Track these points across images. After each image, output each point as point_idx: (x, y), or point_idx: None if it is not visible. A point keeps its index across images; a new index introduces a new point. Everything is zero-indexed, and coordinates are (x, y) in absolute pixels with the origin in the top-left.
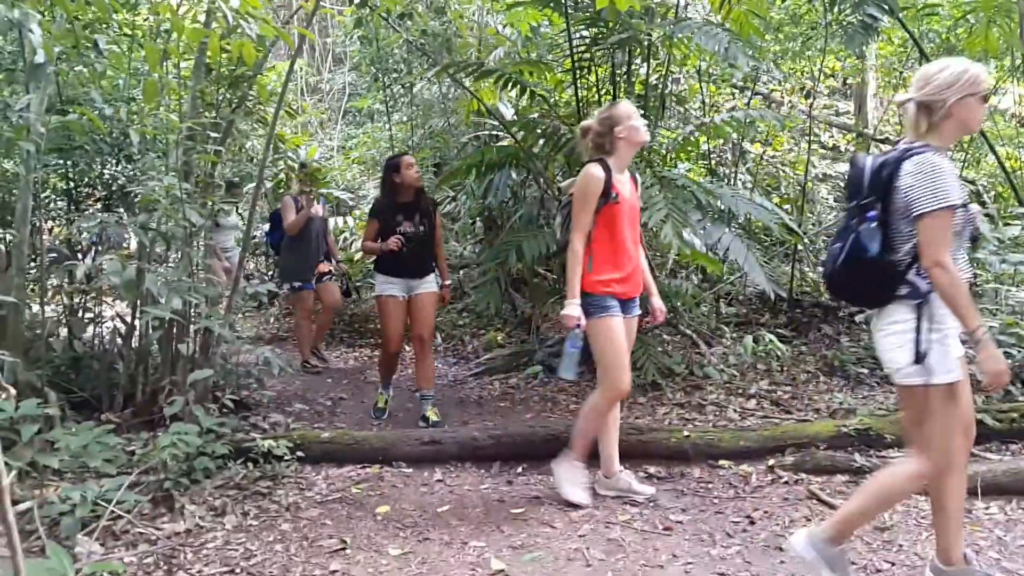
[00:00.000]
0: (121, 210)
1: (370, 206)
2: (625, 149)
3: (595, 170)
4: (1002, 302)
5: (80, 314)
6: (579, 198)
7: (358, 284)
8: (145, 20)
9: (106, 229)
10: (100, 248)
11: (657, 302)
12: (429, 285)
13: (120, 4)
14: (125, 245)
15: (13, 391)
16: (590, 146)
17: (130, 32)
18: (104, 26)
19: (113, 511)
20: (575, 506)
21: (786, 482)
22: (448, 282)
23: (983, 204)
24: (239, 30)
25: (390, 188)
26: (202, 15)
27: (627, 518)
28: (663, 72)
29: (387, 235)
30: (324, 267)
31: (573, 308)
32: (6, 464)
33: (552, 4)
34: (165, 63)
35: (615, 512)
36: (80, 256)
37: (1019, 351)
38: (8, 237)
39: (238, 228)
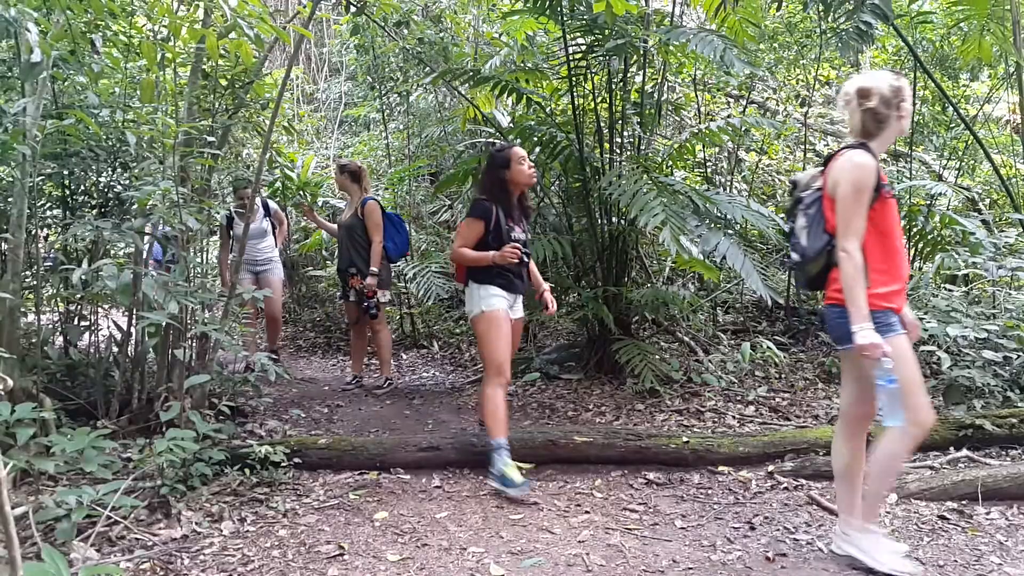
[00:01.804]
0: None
1: (471, 205)
2: (895, 132)
3: (866, 158)
4: (1000, 306)
5: (76, 321)
6: (850, 193)
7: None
8: (141, 28)
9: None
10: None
11: (912, 315)
12: (521, 309)
13: (117, 7)
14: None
15: (10, 381)
16: (860, 120)
17: (127, 38)
18: (101, 26)
19: (109, 516)
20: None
21: (786, 488)
22: (547, 286)
23: (979, 211)
24: (237, 30)
25: (500, 187)
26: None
27: (627, 523)
28: (659, 80)
29: (494, 242)
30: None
31: (870, 333)
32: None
33: (548, 12)
34: (163, 69)
35: (615, 518)
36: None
37: (1018, 355)
38: (3, 244)
39: (267, 235)
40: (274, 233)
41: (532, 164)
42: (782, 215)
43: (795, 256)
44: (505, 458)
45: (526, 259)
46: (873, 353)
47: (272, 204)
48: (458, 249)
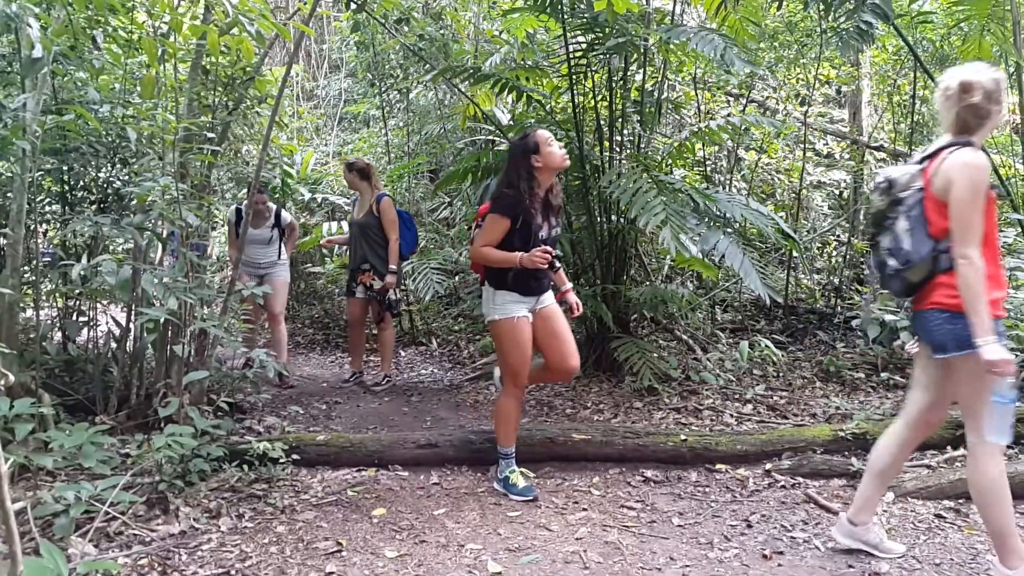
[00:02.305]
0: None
1: (495, 198)
2: (992, 127)
3: (981, 157)
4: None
5: (74, 316)
6: (968, 196)
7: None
8: (142, 24)
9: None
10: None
11: None
12: (550, 295)
13: (118, 3)
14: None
15: (11, 377)
16: (959, 116)
17: (127, 34)
18: (101, 21)
19: (107, 512)
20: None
21: (783, 486)
22: (570, 285)
23: None
24: (238, 26)
25: (529, 177)
26: (200, 10)
27: (624, 521)
28: (659, 78)
29: (519, 241)
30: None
31: (999, 348)
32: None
33: (549, 10)
34: (163, 65)
35: (612, 515)
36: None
37: (1018, 355)
38: (2, 239)
39: (272, 242)
40: (283, 242)
41: (563, 145)
42: (780, 214)
43: (893, 262)
44: (512, 464)
45: (557, 264)
46: (1005, 369)
47: (286, 215)
48: (480, 248)
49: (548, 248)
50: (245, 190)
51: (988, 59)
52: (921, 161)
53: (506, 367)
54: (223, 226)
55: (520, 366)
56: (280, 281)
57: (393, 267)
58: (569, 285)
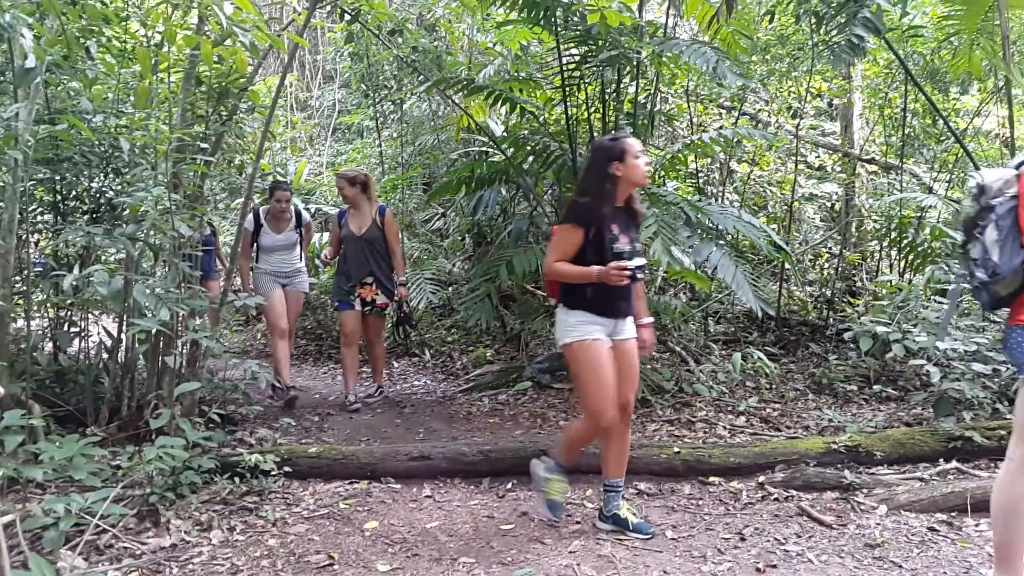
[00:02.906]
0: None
1: (568, 208)
2: None
3: None
4: (990, 319)
5: (66, 327)
6: None
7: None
8: (135, 34)
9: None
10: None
11: None
12: (631, 328)
13: (112, 13)
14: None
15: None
16: None
17: (120, 44)
18: (95, 32)
19: (97, 525)
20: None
21: (776, 499)
22: (650, 320)
23: None
24: (232, 37)
25: (607, 186)
26: (193, 22)
27: (617, 534)
28: (652, 90)
29: (593, 255)
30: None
31: None
32: None
33: (542, 22)
34: (156, 75)
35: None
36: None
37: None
38: None
39: (295, 246)
40: (301, 244)
41: (649, 161)
42: (772, 226)
43: (982, 274)
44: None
45: (639, 276)
46: None
47: (305, 214)
48: (553, 264)
49: (625, 263)
50: (269, 192)
51: (978, 73)
52: (1018, 167)
53: (585, 401)
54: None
55: (602, 400)
56: (303, 292)
57: (403, 278)
58: (649, 319)
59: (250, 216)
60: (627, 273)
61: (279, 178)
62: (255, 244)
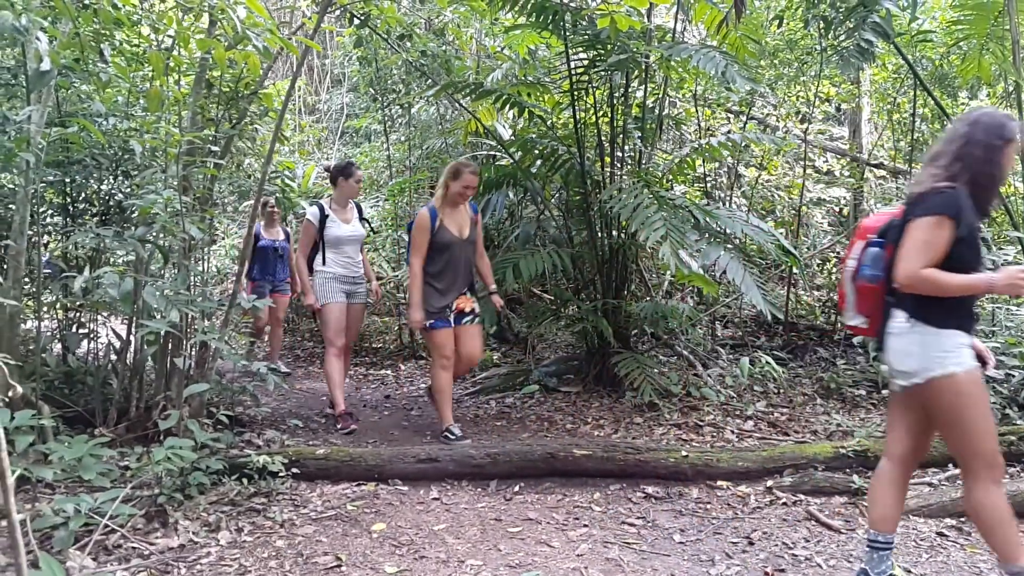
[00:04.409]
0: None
1: (933, 197)
2: None
3: None
4: (1000, 323)
5: (75, 328)
6: None
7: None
8: (147, 38)
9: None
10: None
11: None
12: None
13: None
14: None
15: (19, 388)
16: None
17: (131, 47)
18: (108, 36)
19: (106, 525)
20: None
21: (784, 503)
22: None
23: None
24: (245, 40)
25: (992, 172)
26: (204, 24)
27: (626, 537)
28: (660, 95)
29: (972, 255)
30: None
31: None
32: None
33: (551, 27)
34: (167, 77)
35: (613, 531)
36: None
37: (1019, 372)
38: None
39: (360, 240)
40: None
41: None
42: (780, 230)
43: None
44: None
45: None
46: None
47: (362, 206)
48: (920, 271)
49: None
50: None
51: (987, 78)
52: None
53: (975, 446)
54: (224, 238)
55: (995, 446)
56: (365, 304)
57: (494, 285)
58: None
59: (313, 208)
60: None
61: (288, 181)
62: (323, 237)
